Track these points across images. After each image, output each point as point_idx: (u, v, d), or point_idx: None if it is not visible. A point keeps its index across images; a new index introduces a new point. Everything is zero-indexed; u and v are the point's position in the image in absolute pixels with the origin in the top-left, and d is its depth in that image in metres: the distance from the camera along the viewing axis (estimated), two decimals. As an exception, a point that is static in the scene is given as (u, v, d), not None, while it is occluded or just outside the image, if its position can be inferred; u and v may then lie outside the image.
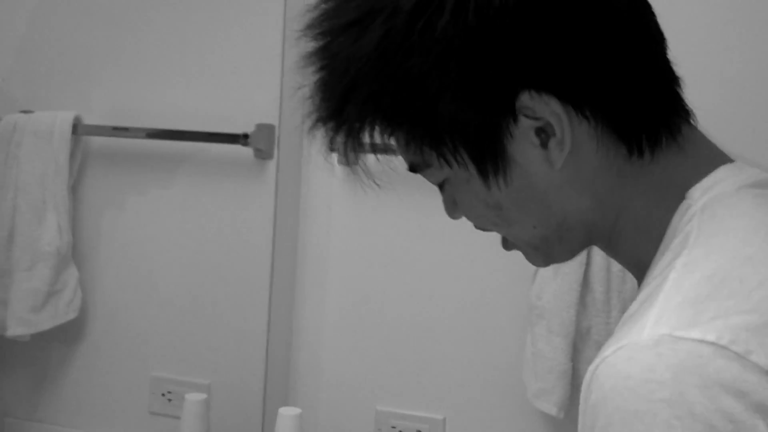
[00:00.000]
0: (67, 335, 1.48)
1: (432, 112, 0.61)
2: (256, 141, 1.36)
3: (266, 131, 1.37)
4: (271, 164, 1.38)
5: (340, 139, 0.64)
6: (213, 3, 1.41)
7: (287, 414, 1.29)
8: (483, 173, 0.63)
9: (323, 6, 0.64)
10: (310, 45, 0.63)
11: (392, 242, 1.39)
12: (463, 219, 0.71)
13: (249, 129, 1.36)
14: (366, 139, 0.64)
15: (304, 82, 0.64)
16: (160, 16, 1.43)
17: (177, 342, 1.44)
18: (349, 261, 1.40)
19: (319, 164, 1.39)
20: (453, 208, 0.70)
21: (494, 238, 0.72)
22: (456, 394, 1.37)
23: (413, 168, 0.67)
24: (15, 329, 1.44)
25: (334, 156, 0.77)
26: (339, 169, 1.36)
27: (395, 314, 1.39)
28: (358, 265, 1.40)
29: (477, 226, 0.70)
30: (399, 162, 0.69)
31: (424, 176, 0.67)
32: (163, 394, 1.45)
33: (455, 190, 0.67)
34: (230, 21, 1.40)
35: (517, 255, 0.72)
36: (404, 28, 0.59)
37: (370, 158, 0.70)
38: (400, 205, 1.37)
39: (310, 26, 0.64)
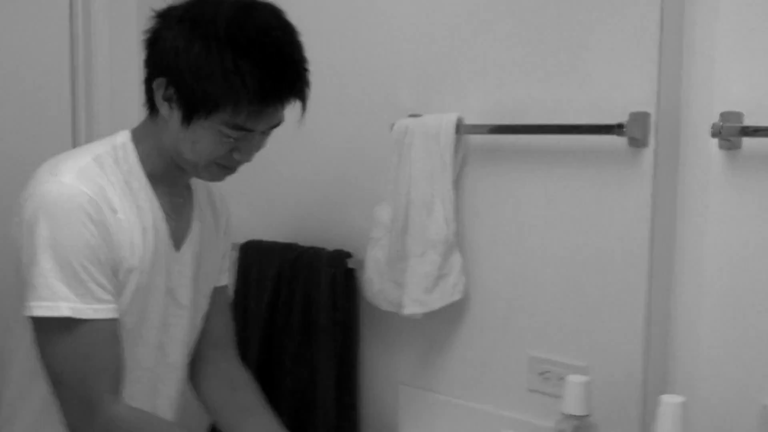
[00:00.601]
0: (454, 314, 1.59)
1: None
2: (631, 130, 1.34)
3: (641, 120, 1.34)
4: (647, 152, 1.35)
5: None
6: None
7: (670, 402, 1.26)
8: None
9: None
10: None
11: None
12: None
13: (623, 118, 1.35)
14: None
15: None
16: (531, 14, 1.46)
17: (554, 324, 1.47)
18: (728, 250, 1.32)
19: (696, 151, 1.34)
20: None
21: None
22: None
23: None
24: (410, 308, 1.58)
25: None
26: (719, 155, 1.31)
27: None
28: (738, 256, 1.31)
29: None
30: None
31: None
32: (541, 373, 1.50)
33: None
34: (605, 11, 1.38)
35: None
36: None
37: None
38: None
39: None
